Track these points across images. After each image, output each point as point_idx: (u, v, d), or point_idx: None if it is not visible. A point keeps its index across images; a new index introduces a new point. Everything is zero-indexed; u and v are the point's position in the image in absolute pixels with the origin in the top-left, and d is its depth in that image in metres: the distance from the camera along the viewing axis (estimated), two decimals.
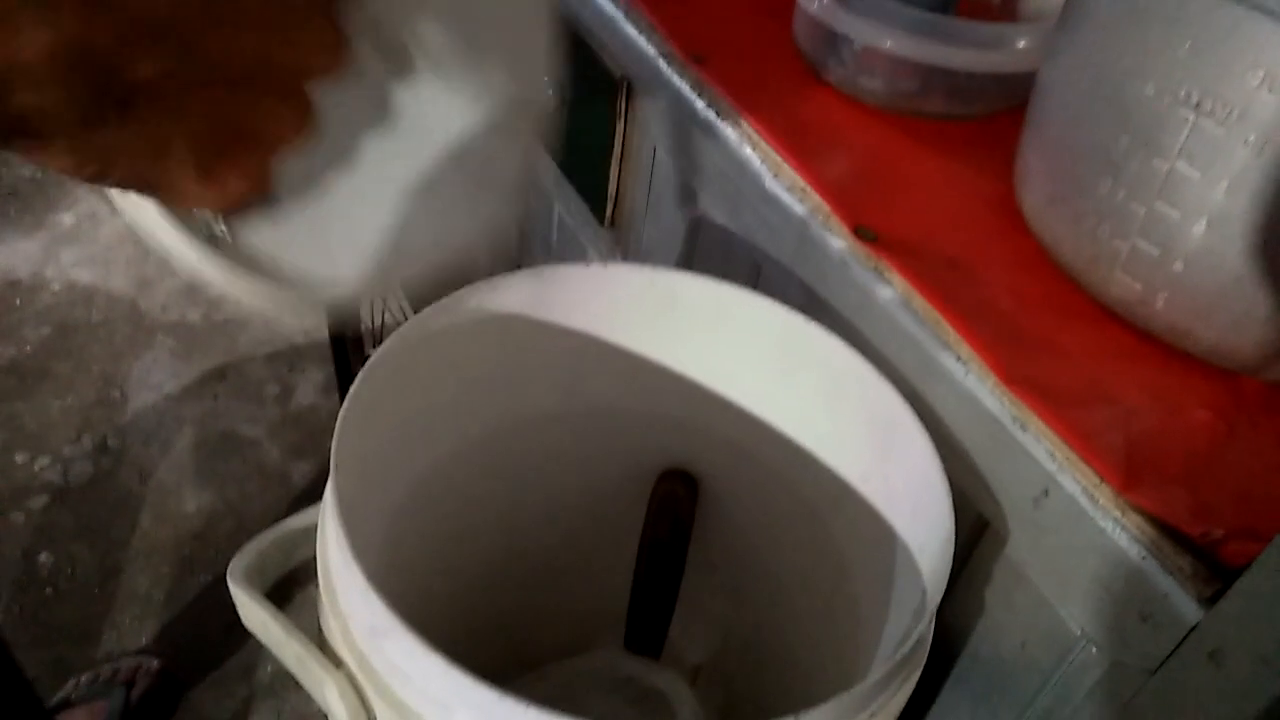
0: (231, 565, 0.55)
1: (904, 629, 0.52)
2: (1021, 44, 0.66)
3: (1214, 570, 0.45)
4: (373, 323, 1.38)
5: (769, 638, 0.71)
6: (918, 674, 0.49)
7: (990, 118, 0.71)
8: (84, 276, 1.80)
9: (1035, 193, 0.59)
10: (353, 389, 0.52)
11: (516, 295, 0.60)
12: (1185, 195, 0.49)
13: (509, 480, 0.68)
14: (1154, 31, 0.49)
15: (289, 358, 1.73)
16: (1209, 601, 0.44)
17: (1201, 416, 0.51)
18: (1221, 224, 0.49)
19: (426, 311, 0.57)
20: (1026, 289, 0.58)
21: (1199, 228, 0.49)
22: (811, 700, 0.42)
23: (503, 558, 0.72)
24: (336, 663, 0.47)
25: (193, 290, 1.83)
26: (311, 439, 1.58)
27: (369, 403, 0.52)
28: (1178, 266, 0.51)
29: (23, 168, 1.97)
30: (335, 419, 0.54)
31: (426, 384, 0.59)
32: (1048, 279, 0.58)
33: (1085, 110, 0.54)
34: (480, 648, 0.73)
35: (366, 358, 1.51)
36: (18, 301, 1.73)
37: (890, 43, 0.66)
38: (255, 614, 0.52)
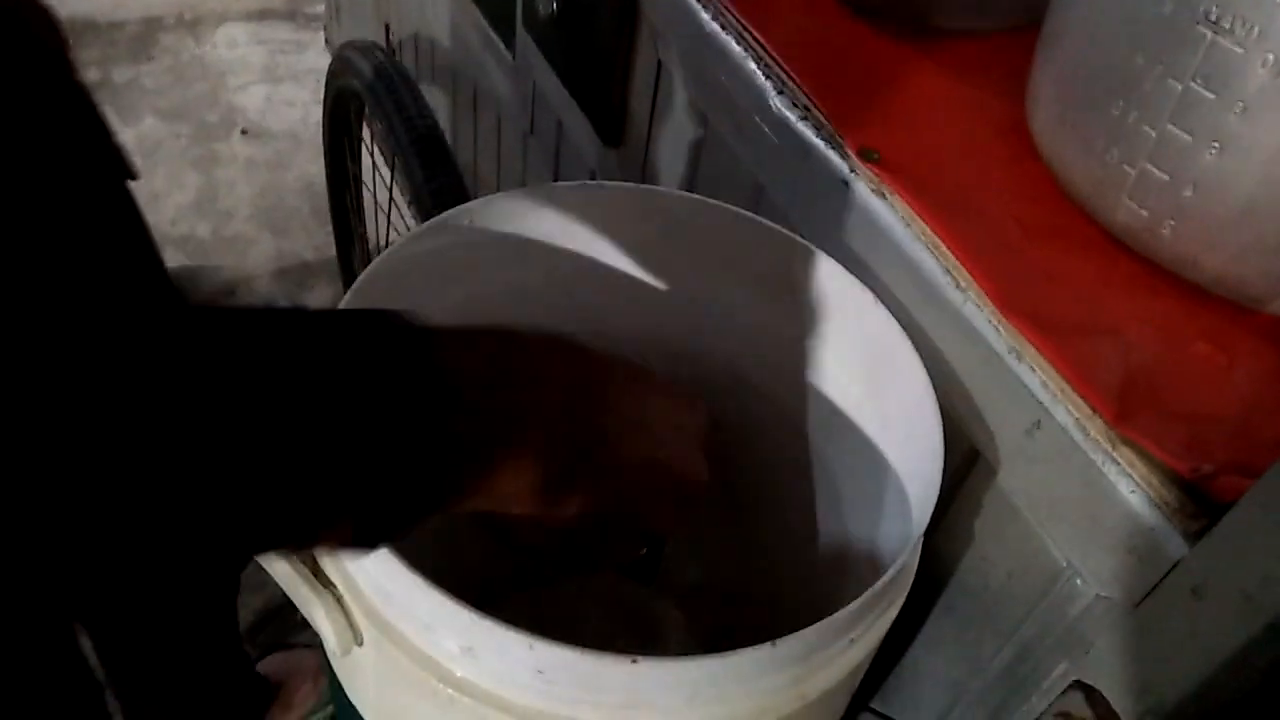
0: None
1: (891, 555, 0.51)
2: None
3: (1202, 506, 0.44)
4: (381, 240, 1.37)
5: (761, 560, 0.71)
6: (901, 601, 0.49)
7: (1008, 33, 0.69)
8: None
9: (1045, 114, 0.57)
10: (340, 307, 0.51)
11: (508, 214, 0.59)
12: (1199, 118, 0.48)
13: None
14: None
15: (299, 274, 1.73)
16: (1195, 537, 0.44)
17: (1202, 349, 0.50)
18: (1234, 149, 0.47)
19: (416, 231, 0.56)
20: (1032, 216, 0.56)
21: (1211, 153, 0.48)
22: (798, 623, 0.42)
23: None
24: (326, 583, 0.47)
25: (201, 204, 1.82)
26: None
27: None
28: (1187, 193, 0.49)
29: None
30: None
31: (415, 305, 0.58)
32: (1054, 206, 0.57)
33: (1100, 26, 0.52)
34: (478, 569, 0.74)
35: None
36: None
37: None
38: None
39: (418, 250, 0.56)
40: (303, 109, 2.00)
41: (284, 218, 1.82)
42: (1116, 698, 0.49)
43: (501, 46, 1.02)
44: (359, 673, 0.49)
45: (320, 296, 1.70)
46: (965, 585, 0.59)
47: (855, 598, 0.44)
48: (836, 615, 0.42)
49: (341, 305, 0.53)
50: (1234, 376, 0.49)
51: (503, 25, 0.99)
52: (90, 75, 2.02)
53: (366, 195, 1.33)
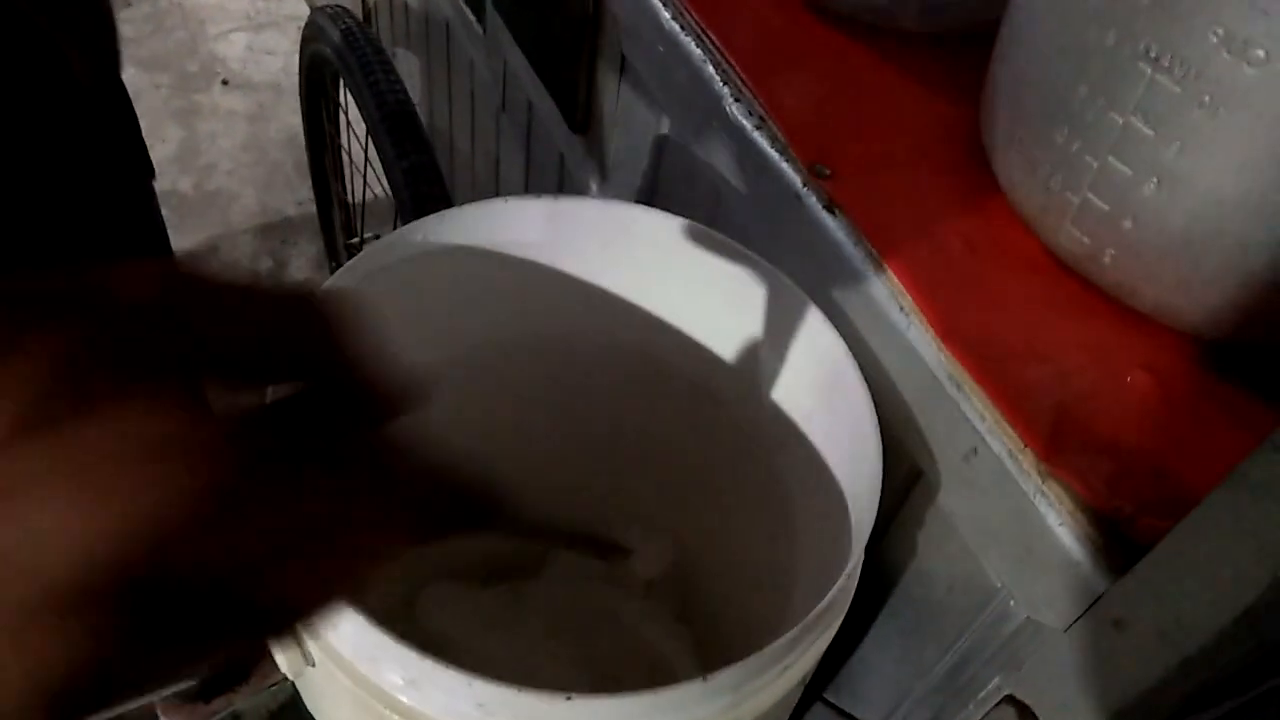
0: None
1: (833, 572, 0.53)
2: None
3: (1124, 544, 0.45)
4: (355, 198, 1.36)
5: (718, 554, 0.73)
6: (837, 623, 0.51)
7: (971, 34, 0.68)
8: None
9: (995, 131, 0.57)
10: None
11: (467, 227, 0.59)
12: (1138, 152, 0.48)
13: (458, 411, 0.68)
14: None
15: (282, 230, 1.73)
16: (1117, 572, 0.45)
17: (1139, 378, 0.51)
18: (1171, 184, 0.47)
19: (374, 247, 0.56)
20: (979, 233, 0.56)
21: (1149, 187, 0.48)
22: (749, 620, 0.44)
23: None
24: None
25: (183, 157, 1.81)
26: None
27: None
28: (1126, 224, 0.50)
29: None
30: None
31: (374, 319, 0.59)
32: (1002, 223, 0.57)
33: (1048, 51, 0.52)
34: (445, 561, 0.75)
35: (354, 233, 1.48)
36: None
37: None
38: None
39: (372, 267, 0.56)
40: (284, 58, 1.97)
41: (266, 172, 1.81)
42: (1045, 715, 0.51)
43: (472, 19, 1.00)
44: (312, 691, 0.51)
45: (303, 252, 1.70)
46: (909, 593, 0.60)
47: (800, 608, 0.45)
48: (770, 648, 0.44)
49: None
50: (1168, 407, 0.50)
51: None
52: None
53: (345, 156, 1.32)
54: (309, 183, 1.55)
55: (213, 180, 1.79)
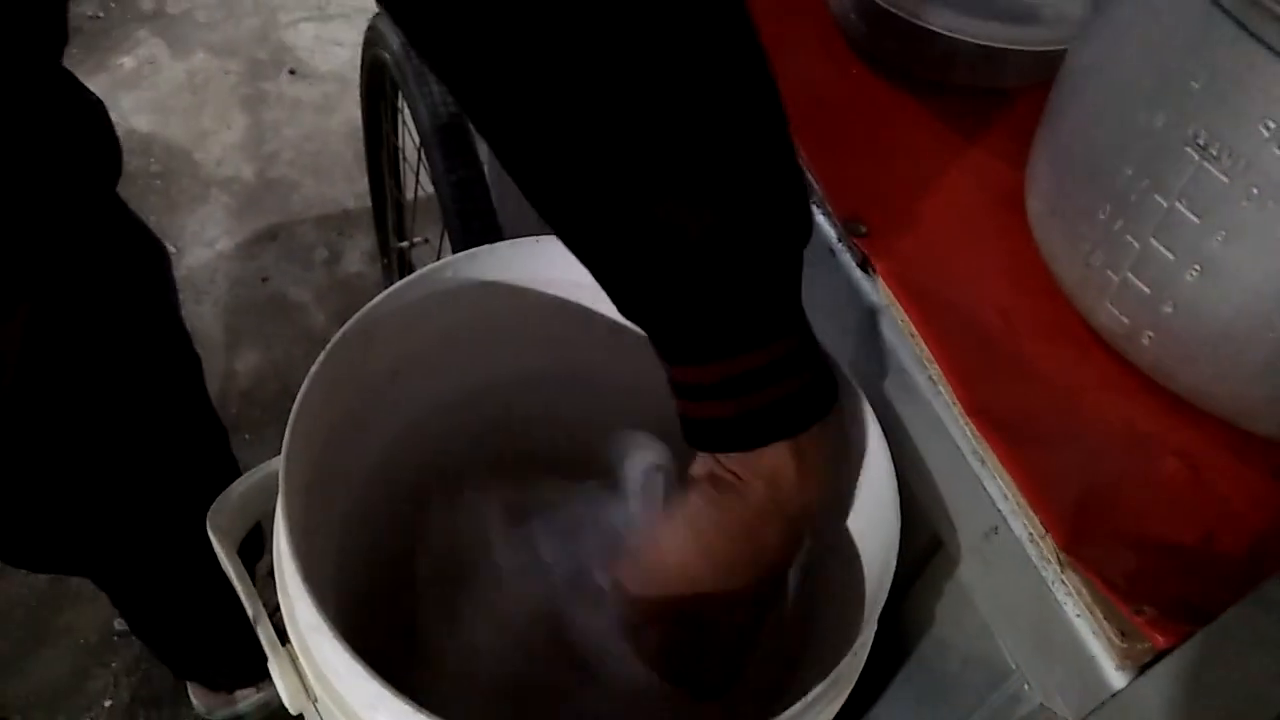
0: (212, 510, 0.57)
1: (846, 637, 0.52)
2: (1056, 20, 0.61)
3: (1143, 645, 0.44)
4: (408, 198, 1.37)
5: None
6: (845, 693, 0.50)
7: (1024, 91, 0.67)
8: (142, 124, 1.81)
9: (1040, 199, 0.55)
10: (313, 370, 0.52)
11: (498, 265, 0.59)
12: (1181, 238, 0.46)
13: (478, 442, 0.69)
14: (1172, 56, 0.45)
15: (339, 222, 1.75)
16: (1135, 672, 0.44)
17: (1172, 466, 0.49)
18: (1214, 273, 0.46)
19: (399, 285, 0.57)
20: (1017, 303, 0.55)
21: (1191, 274, 0.46)
22: (759, 684, 0.43)
23: None
24: (284, 640, 0.49)
25: (248, 144, 1.84)
26: (356, 308, 1.61)
27: (331, 380, 0.53)
28: (1167, 309, 0.48)
29: (85, 5, 1.96)
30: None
31: (400, 352, 0.59)
32: (1040, 293, 0.55)
33: (1096, 127, 0.50)
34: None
35: (404, 235, 1.49)
36: None
37: (910, 8, 0.61)
38: (225, 566, 0.55)
39: (400, 304, 0.57)
40: (351, 49, 2.00)
41: (328, 163, 1.83)
42: None
43: None
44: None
45: (358, 245, 1.72)
46: (925, 661, 0.59)
47: (809, 678, 0.45)
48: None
49: (322, 357, 0.54)
50: (1199, 497, 0.48)
51: None
52: (145, 6, 2.02)
53: (400, 158, 1.33)
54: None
55: (275, 168, 1.82)
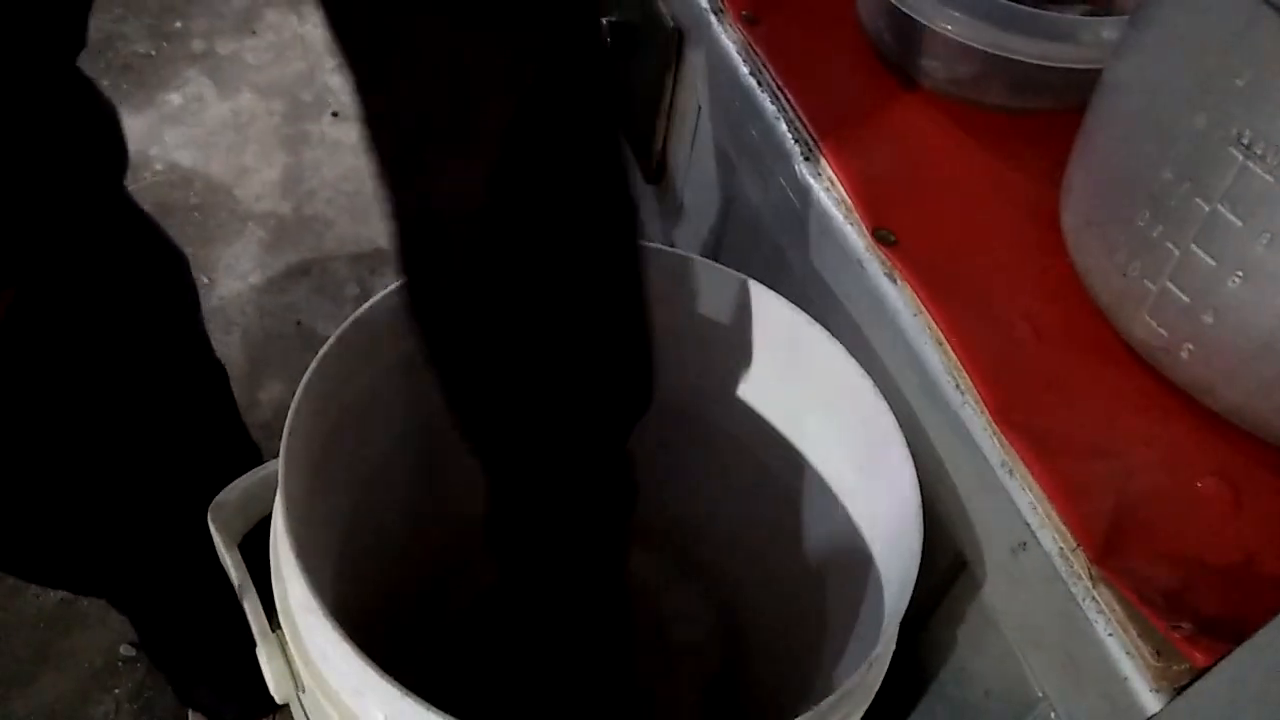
0: (214, 503, 0.56)
1: (859, 654, 0.50)
2: (1095, 37, 0.60)
3: (1179, 664, 0.41)
4: None
5: (750, 627, 0.70)
6: (857, 714, 0.47)
7: (1059, 113, 0.65)
8: (185, 159, 1.85)
9: (1075, 211, 0.54)
10: (310, 370, 0.51)
11: None
12: (1224, 243, 0.44)
13: None
14: (1213, 55, 0.44)
15: (371, 260, 1.75)
16: (1171, 694, 0.41)
17: (1210, 485, 0.47)
18: (1258, 279, 0.44)
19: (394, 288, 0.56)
20: (1049, 317, 0.53)
21: (1234, 280, 0.44)
22: (778, 698, 0.41)
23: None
24: (275, 627, 0.48)
25: (287, 183, 1.86)
26: None
27: (322, 390, 0.52)
28: (1207, 319, 0.46)
29: (138, 43, 2.01)
30: None
31: (403, 350, 0.58)
32: (1074, 309, 0.54)
33: (1135, 130, 0.49)
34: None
35: None
36: None
37: (950, 25, 0.60)
38: (223, 557, 0.53)
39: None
40: None
41: (363, 203, 1.85)
42: None
43: None
44: (305, 713, 0.50)
45: (389, 282, 1.71)
46: (945, 693, 0.56)
47: (821, 693, 0.42)
48: None
49: (321, 353, 0.53)
50: (1239, 519, 0.46)
51: None
52: (195, 46, 2.08)
53: None
54: None
55: (312, 206, 1.84)
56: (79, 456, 0.74)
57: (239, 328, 1.63)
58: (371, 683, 0.41)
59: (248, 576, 0.51)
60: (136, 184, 1.78)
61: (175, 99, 1.92)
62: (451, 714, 0.39)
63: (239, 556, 0.52)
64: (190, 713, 1.25)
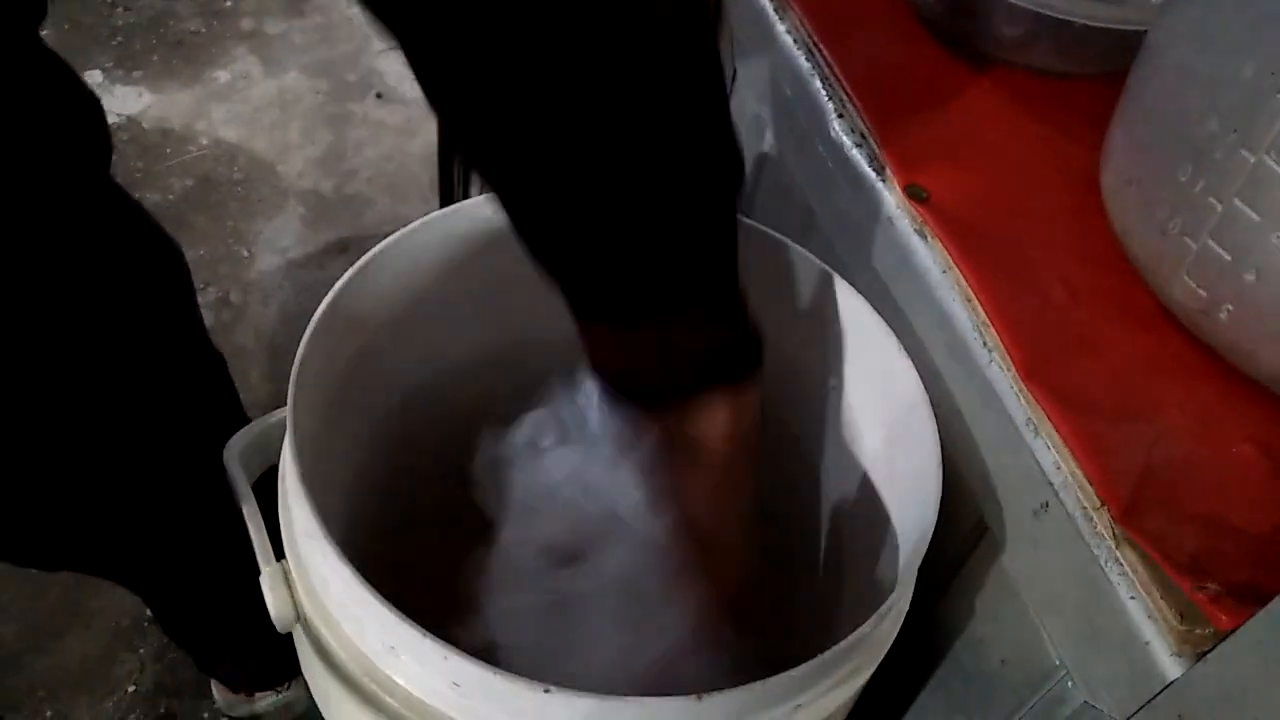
0: (230, 442, 0.56)
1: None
2: (1142, 3, 0.58)
3: (1203, 628, 0.39)
4: None
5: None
6: (866, 673, 0.46)
7: (1105, 77, 0.64)
8: (231, 134, 1.86)
9: (1114, 170, 0.52)
10: (321, 308, 0.51)
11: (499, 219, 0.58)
12: (1270, 197, 0.43)
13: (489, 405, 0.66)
14: (1265, 2, 0.42)
15: None
16: (1192, 659, 0.39)
17: (1245, 452, 0.45)
18: None
19: (408, 229, 0.56)
20: (1084, 278, 0.52)
21: (1278, 237, 0.43)
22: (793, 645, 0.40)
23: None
24: (280, 555, 0.47)
25: (329, 161, 1.87)
26: None
27: (333, 326, 0.52)
28: (1249, 277, 0.44)
29: (189, 21, 2.04)
30: None
31: (401, 307, 0.58)
32: (1111, 271, 0.52)
33: (1178, 84, 0.47)
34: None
35: None
36: (168, 150, 1.81)
37: None
38: (235, 485, 0.53)
39: (410, 245, 0.56)
40: None
41: (404, 183, 1.86)
42: None
43: None
44: (303, 650, 0.49)
45: None
46: (961, 663, 0.55)
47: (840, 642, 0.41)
48: (773, 679, 0.40)
49: (339, 284, 0.53)
50: (1275, 486, 0.44)
51: None
52: (245, 25, 2.10)
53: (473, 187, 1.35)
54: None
55: (352, 185, 1.85)
56: (71, 443, 0.72)
57: (276, 301, 1.64)
58: (370, 609, 0.40)
59: (256, 509, 0.50)
60: (182, 157, 1.80)
61: (223, 76, 1.94)
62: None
63: (249, 490, 0.52)
64: (212, 680, 1.26)
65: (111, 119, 1.87)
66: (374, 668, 0.42)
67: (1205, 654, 0.39)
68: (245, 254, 1.71)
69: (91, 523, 0.81)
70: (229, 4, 2.16)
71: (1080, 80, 0.63)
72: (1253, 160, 0.43)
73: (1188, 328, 0.49)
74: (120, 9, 2.03)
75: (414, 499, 0.65)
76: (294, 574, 0.46)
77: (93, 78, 1.87)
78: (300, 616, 0.46)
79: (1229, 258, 0.45)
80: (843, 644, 0.41)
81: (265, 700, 1.25)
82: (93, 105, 0.62)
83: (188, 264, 0.79)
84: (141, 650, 1.30)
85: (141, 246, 0.72)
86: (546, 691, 0.38)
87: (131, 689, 1.27)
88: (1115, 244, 0.53)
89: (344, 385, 0.54)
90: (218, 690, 1.27)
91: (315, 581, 0.44)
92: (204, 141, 1.84)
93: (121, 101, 1.86)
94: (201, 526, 0.83)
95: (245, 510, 0.50)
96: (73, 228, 0.62)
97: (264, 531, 0.48)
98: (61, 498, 0.75)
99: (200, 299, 1.61)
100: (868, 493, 0.55)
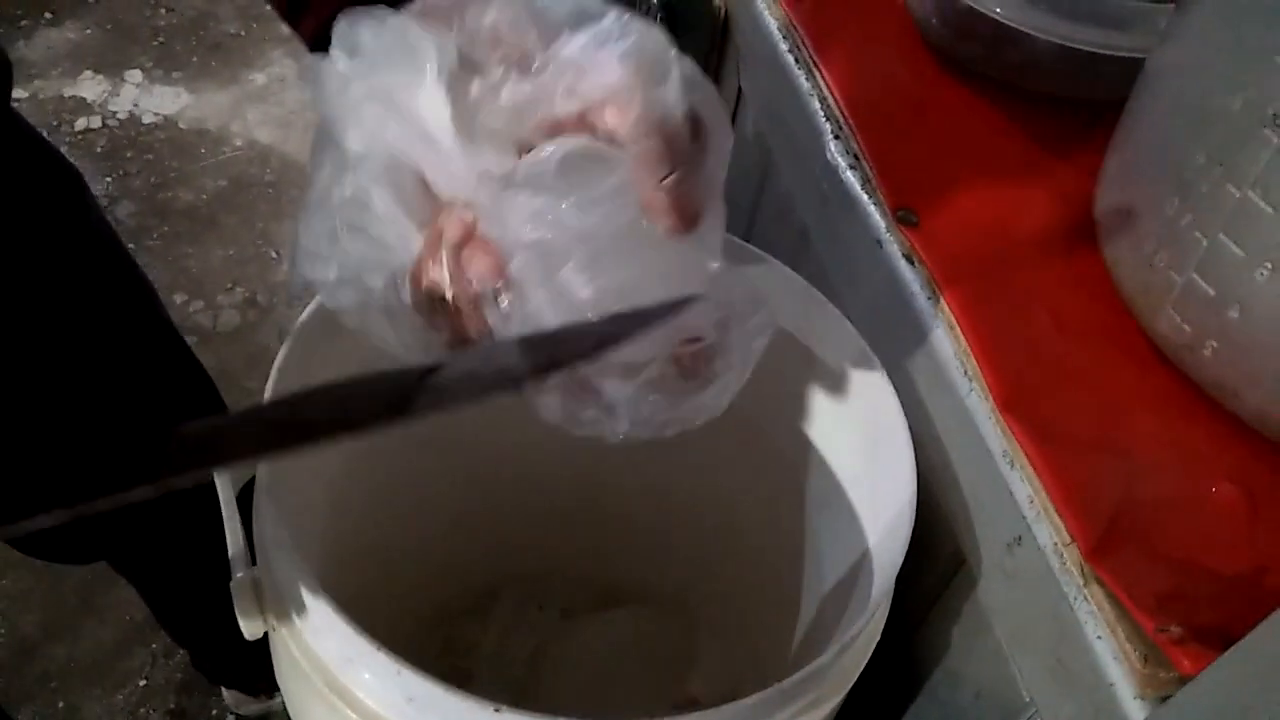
0: None
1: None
2: (1152, 26, 0.57)
3: (1167, 671, 0.39)
4: None
5: (748, 604, 0.68)
6: (831, 703, 0.45)
7: (1108, 104, 0.63)
8: (264, 136, 1.89)
9: (1107, 200, 0.51)
10: (304, 315, 0.51)
11: None
12: (1253, 231, 0.42)
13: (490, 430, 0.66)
14: (1250, 35, 0.41)
15: None
16: (1156, 702, 0.39)
17: (1225, 490, 0.44)
18: None
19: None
20: (1072, 309, 0.51)
21: (1262, 272, 0.42)
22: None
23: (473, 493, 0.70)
24: (252, 561, 0.48)
25: None
26: None
27: (313, 333, 0.52)
28: (1232, 313, 0.43)
29: (228, 24, 2.07)
30: None
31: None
32: (1099, 301, 0.51)
33: (1170, 114, 0.46)
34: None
35: None
36: (202, 150, 1.83)
37: (1000, 9, 0.58)
38: (221, 496, 0.54)
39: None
40: None
41: None
42: None
43: None
44: (275, 655, 0.49)
45: None
46: (937, 695, 0.54)
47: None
48: (723, 709, 0.39)
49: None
50: (1253, 528, 0.43)
51: None
52: (283, 29, 2.13)
53: None
54: None
55: None
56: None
57: (302, 303, 1.65)
58: (329, 620, 0.40)
59: (236, 514, 0.51)
60: (216, 158, 1.83)
61: (259, 78, 1.97)
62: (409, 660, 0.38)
63: (231, 493, 0.52)
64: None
65: (148, 118, 1.90)
66: (334, 679, 0.43)
67: (1167, 699, 0.38)
68: (273, 255, 1.73)
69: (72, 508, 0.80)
70: (268, 8, 2.20)
71: (1085, 106, 0.62)
72: (1238, 195, 0.42)
73: (1174, 362, 0.48)
74: (163, 10, 2.06)
75: (401, 509, 0.65)
76: (264, 582, 0.46)
77: (132, 77, 1.91)
78: (269, 627, 0.46)
79: (1213, 293, 0.44)
80: (799, 674, 0.41)
81: (279, 699, 1.26)
82: None
83: (88, 188, 0.74)
84: (154, 645, 1.31)
85: (42, 172, 0.69)
86: (497, 710, 0.38)
87: (143, 683, 1.29)
88: (1106, 274, 0.52)
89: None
90: (227, 689, 1.28)
91: (283, 590, 0.44)
92: (238, 143, 1.86)
93: (159, 101, 1.89)
94: (196, 527, 0.83)
95: (224, 515, 0.50)
96: None
97: (239, 537, 0.48)
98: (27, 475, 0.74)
99: (227, 298, 1.64)
100: (847, 518, 0.55)
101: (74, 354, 0.71)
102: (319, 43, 0.40)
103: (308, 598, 0.41)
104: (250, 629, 0.46)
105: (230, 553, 0.48)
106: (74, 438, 0.70)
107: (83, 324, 0.71)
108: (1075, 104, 0.62)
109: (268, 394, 0.48)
